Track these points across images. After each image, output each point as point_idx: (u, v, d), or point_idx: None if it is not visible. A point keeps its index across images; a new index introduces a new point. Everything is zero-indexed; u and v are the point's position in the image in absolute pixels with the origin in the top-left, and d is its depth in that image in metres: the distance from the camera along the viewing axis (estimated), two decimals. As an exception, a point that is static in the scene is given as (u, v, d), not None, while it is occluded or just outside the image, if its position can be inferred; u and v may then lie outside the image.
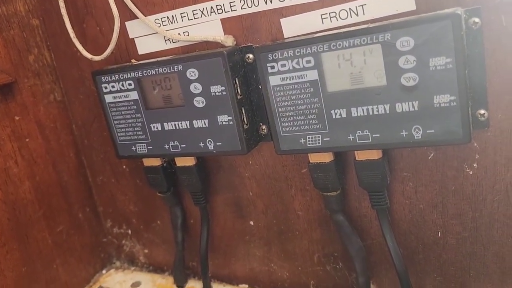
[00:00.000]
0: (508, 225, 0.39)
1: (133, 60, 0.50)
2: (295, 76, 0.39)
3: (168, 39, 0.47)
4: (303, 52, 0.38)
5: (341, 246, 0.47)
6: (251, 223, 0.51)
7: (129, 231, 0.61)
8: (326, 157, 0.42)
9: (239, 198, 0.51)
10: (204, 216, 0.52)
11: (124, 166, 0.57)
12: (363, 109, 0.38)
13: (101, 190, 0.61)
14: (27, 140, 0.52)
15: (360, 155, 0.40)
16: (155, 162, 0.51)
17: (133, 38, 0.49)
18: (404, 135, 0.37)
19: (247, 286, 0.55)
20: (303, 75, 0.39)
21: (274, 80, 0.40)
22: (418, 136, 0.36)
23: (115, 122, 0.50)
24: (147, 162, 0.52)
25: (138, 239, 0.61)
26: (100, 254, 0.63)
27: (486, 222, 0.40)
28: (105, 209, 0.62)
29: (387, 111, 0.37)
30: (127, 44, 0.50)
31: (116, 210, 0.61)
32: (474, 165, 0.38)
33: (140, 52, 0.49)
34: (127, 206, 0.59)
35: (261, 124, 0.45)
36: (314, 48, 0.38)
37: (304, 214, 0.48)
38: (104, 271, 0.63)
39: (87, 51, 0.50)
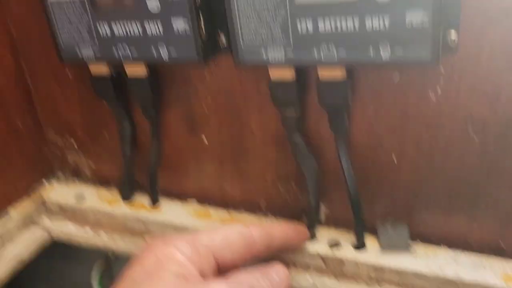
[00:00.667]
0: (462, 153, 0.39)
1: (78, -50, 0.44)
2: (261, -21, 0.36)
3: None
4: (272, -47, 0.34)
5: (295, 167, 0.46)
6: (204, 140, 0.49)
7: (74, 143, 0.58)
8: (288, 74, 0.39)
9: (193, 113, 0.48)
10: (155, 129, 0.50)
11: (68, 73, 0.52)
12: (331, 24, 0.35)
13: (43, 98, 0.56)
14: (-47, 35, 0.46)
15: (324, 74, 0.38)
16: (103, 69, 0.47)
17: None
18: (372, 54, 0.35)
19: (195, 200, 0.54)
20: (271, -21, 0.35)
21: (237, -16, 0.36)
22: (386, 56, 0.34)
23: (58, 22, 0.45)
24: (95, 70, 0.47)
25: (84, 151, 0.58)
26: (41, 165, 0.59)
27: (442, 149, 0.40)
28: (48, 119, 0.57)
29: (356, 28, 0.34)
30: None
31: (59, 120, 0.57)
32: (438, 91, 0.37)
33: None
34: (71, 117, 0.55)
35: (220, 33, 0.42)
36: (286, -51, 0.34)
37: (260, 133, 0.46)
38: (46, 183, 0.60)
39: None
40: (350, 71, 0.39)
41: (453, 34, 0.34)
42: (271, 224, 0.44)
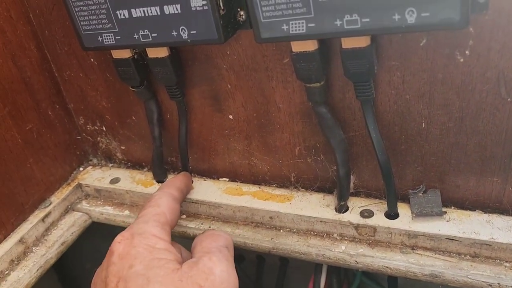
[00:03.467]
0: (494, 115, 0.38)
1: None
2: (277, -49, 0.35)
3: None
4: None
5: (323, 139, 0.46)
6: (230, 116, 0.50)
7: (104, 128, 0.59)
8: (310, 46, 0.39)
9: (217, 91, 0.48)
10: (182, 110, 0.50)
11: (92, 59, 0.53)
12: (352, -10, 0.34)
13: (70, 85, 0.57)
14: (-21, 31, 0.47)
15: (347, 43, 0.37)
16: (125, 53, 0.47)
17: None
18: (397, 19, 0.34)
19: (227, 179, 0.55)
20: (286, -50, 0.34)
21: (253, -43, 0.36)
22: (412, 20, 0.33)
23: (77, 9, 0.45)
24: (116, 54, 0.48)
25: (114, 135, 0.59)
26: (75, 152, 0.61)
27: (473, 112, 0.39)
28: (76, 106, 0.59)
29: (379, -8, 0.33)
30: None
31: (87, 106, 0.58)
32: (467, 52, 0.36)
33: None
34: (99, 102, 0.56)
35: (238, 9, 0.41)
36: None
37: (286, 106, 0.46)
38: (81, 169, 0.62)
39: None
40: (374, 37, 0.38)
41: (482, -9, 0.33)
42: (172, 180, 0.49)
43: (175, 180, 0.49)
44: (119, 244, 0.39)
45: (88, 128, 0.60)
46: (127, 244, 0.38)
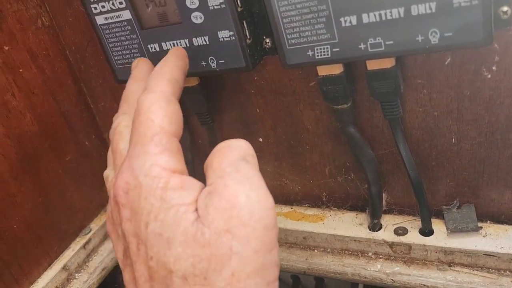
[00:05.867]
0: (525, 128, 0.38)
1: (121, -25, 0.46)
2: (299, -18, 0.36)
3: (157, -51, 0.43)
4: (307, -46, 0.35)
5: (352, 158, 0.47)
6: (260, 139, 0.51)
7: (138, 155, 0.61)
8: (336, 69, 0.40)
9: (246, 115, 0.50)
10: (212, 136, 0.52)
11: (125, 90, 0.55)
12: (375, 14, 0.35)
13: (104, 116, 0.59)
14: (20, 70, 0.50)
15: (372, 64, 0.38)
16: (157, 84, 0.49)
17: (118, -50, 0.45)
18: (420, 40, 0.34)
19: (260, 200, 0.56)
20: (308, -20, 0.36)
21: (276, -11, 0.37)
22: (435, 40, 0.34)
23: (110, 45, 0.47)
24: (148, 85, 0.50)
25: (148, 162, 0.61)
26: (111, 179, 0.63)
27: (503, 126, 0.39)
28: (111, 135, 0.61)
29: (402, 15, 0.34)
30: (112, -43, 0.45)
31: (122, 135, 0.60)
32: (493, 68, 0.36)
33: (127, -34, 0.45)
34: (133, 131, 0.59)
35: (264, 37, 0.42)
36: None
37: (314, 128, 0.47)
38: (117, 195, 0.64)
39: (70, -32, 0.46)
40: (399, 57, 0.38)
41: (505, 7, 0.33)
42: (160, 68, 0.37)
43: (164, 68, 0.36)
44: (126, 195, 0.30)
45: (123, 156, 0.62)
46: (136, 195, 0.29)
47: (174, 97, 0.34)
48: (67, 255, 0.55)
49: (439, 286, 0.42)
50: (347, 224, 0.48)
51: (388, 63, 0.37)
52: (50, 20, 0.53)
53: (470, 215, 0.44)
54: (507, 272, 0.41)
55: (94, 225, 0.59)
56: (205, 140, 0.54)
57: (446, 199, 0.45)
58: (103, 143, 0.61)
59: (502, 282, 0.40)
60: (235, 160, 0.30)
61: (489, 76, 0.37)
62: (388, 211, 0.48)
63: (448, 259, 0.43)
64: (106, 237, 0.60)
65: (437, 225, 0.45)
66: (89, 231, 0.58)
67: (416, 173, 0.42)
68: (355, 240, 0.47)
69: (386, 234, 0.46)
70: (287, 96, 0.46)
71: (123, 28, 0.45)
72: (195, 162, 0.56)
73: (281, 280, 0.67)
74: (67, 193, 0.56)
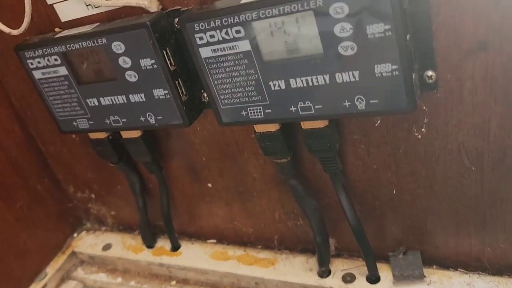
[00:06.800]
0: (461, 182, 0.38)
1: (56, 29, 0.45)
2: (227, 47, 0.35)
3: (89, 4, 0.42)
4: (231, 22, 0.34)
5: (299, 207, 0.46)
6: (209, 185, 0.50)
7: (93, 195, 0.60)
8: (272, 127, 0.39)
9: (193, 163, 0.49)
10: (161, 183, 0.51)
11: (73, 136, 0.54)
12: (302, 80, 0.34)
13: (56, 158, 0.58)
14: (-38, 122, 0.49)
15: (306, 124, 0.38)
16: (101, 135, 0.48)
17: (52, 4, 0.44)
18: (347, 106, 0.34)
19: (215, 241, 0.55)
20: (235, 45, 0.35)
21: (205, 52, 0.36)
22: (362, 107, 0.33)
23: (50, 98, 0.46)
24: (93, 135, 0.49)
25: (103, 202, 0.60)
26: (68, 219, 0.62)
27: (440, 179, 0.39)
28: (65, 176, 0.60)
29: (327, 82, 0.34)
30: (47, 11, 0.44)
31: (75, 176, 0.59)
32: (423, 129, 0.36)
33: (62, 20, 0.44)
34: (84, 174, 0.58)
35: (202, 91, 0.42)
36: (242, 16, 0.33)
37: (260, 176, 0.47)
38: (75, 235, 0.63)
39: (5, 22, 0.44)
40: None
41: (430, 73, 0.33)
42: None
43: None
44: None
45: (79, 196, 0.61)
46: None
47: None
48: (21, 304, 0.54)
49: (384, 336, 0.42)
50: (297, 270, 0.48)
51: (321, 123, 0.37)
52: (-9, 69, 0.52)
53: (415, 261, 0.44)
54: (450, 321, 0.41)
55: (50, 269, 0.58)
56: (156, 183, 0.53)
57: (393, 245, 0.45)
58: (57, 184, 0.60)
59: (445, 331, 0.41)
60: None
61: (422, 135, 0.36)
62: (338, 255, 0.48)
63: (394, 307, 0.43)
64: (63, 280, 0.59)
65: (384, 271, 0.45)
66: (45, 276, 0.57)
67: (357, 224, 0.42)
68: (304, 287, 0.47)
69: (334, 281, 0.46)
70: (231, 146, 0.46)
71: (61, 83, 0.45)
72: (149, 204, 0.55)
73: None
74: (19, 240, 0.55)
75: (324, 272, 0.46)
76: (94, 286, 0.58)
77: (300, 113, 0.36)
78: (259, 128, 0.40)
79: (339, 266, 0.47)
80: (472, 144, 0.36)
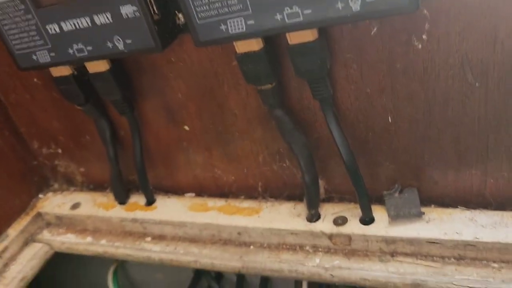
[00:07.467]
0: (463, 103, 0.35)
1: None
2: None
3: None
4: None
5: (286, 143, 0.42)
6: (186, 128, 0.46)
7: (59, 150, 0.55)
8: (255, 45, 0.35)
9: (169, 102, 0.45)
10: (134, 126, 0.46)
11: (35, 79, 0.49)
12: (289, -21, 0.30)
13: (18, 109, 0.53)
14: None
15: (293, 38, 0.34)
16: (65, 71, 0.43)
17: None
18: (341, 8, 0.30)
19: (193, 194, 0.51)
20: None
21: (177, -48, 0.32)
22: (357, 8, 0.30)
23: (6, 27, 0.41)
24: (55, 72, 0.44)
25: (71, 157, 0.55)
26: (33, 179, 0.57)
27: (440, 101, 0.35)
28: (28, 130, 0.55)
29: (318, -21, 0.30)
30: None
31: (39, 129, 0.54)
32: (424, 36, 0.32)
33: None
34: (50, 123, 0.53)
35: (176, 12, 0.37)
36: None
37: (241, 112, 0.42)
38: (41, 196, 0.58)
39: None
40: (323, 30, 0.34)
41: (432, -32, 0.29)
42: None
43: None
44: None
45: (44, 152, 0.56)
46: None
47: None
48: (-21, 267, 0.49)
49: (380, 279, 0.39)
50: (284, 216, 0.44)
51: (310, 35, 0.33)
52: None
53: (412, 199, 0.40)
54: (452, 259, 0.38)
55: (12, 231, 0.53)
56: (128, 131, 0.49)
57: (387, 183, 0.42)
58: (20, 139, 0.55)
59: (446, 271, 0.37)
60: None
61: (420, 46, 0.33)
62: (328, 199, 0.45)
63: (390, 249, 0.40)
64: (26, 243, 0.54)
65: (379, 212, 0.41)
66: (5, 238, 0.52)
67: (351, 158, 0.38)
68: (292, 233, 0.43)
69: (324, 225, 0.42)
70: (209, 78, 0.41)
71: (16, 8, 0.40)
72: (120, 156, 0.50)
73: (225, 277, 0.63)
74: (-23, 199, 0.50)
75: (314, 216, 0.43)
76: (61, 247, 0.53)
77: (287, 21, 0.32)
78: (241, 47, 0.36)
79: (329, 210, 0.43)
80: (478, 55, 0.32)
